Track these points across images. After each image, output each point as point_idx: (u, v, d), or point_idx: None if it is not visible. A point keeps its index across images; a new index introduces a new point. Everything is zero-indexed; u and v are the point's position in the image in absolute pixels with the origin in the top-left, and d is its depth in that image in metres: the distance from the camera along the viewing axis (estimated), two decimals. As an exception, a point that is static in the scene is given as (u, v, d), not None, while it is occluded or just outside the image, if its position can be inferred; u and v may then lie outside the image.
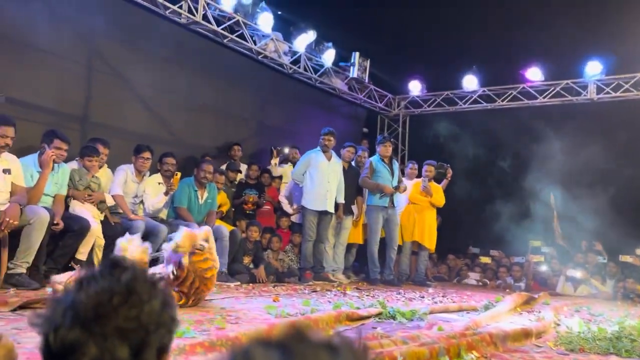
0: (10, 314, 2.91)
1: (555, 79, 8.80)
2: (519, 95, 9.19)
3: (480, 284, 8.31)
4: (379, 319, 3.54)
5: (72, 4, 5.51)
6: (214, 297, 4.30)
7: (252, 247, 6.21)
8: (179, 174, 5.53)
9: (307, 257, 6.56)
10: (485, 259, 8.79)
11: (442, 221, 8.25)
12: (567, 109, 8.80)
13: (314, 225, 6.58)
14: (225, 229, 5.87)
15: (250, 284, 5.71)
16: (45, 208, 4.29)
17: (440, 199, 7.55)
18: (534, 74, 8.91)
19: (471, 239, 9.26)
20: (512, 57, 8.54)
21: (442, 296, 5.77)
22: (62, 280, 3.77)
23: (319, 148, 6.77)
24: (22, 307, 3.03)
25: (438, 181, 7.71)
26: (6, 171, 4.10)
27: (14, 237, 4.08)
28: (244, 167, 7.15)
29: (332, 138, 6.73)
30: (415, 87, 10.01)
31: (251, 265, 6.19)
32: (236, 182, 6.92)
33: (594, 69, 8.42)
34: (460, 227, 8.90)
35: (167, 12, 6.17)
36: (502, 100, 9.34)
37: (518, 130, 8.55)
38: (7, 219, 3.85)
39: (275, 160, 7.44)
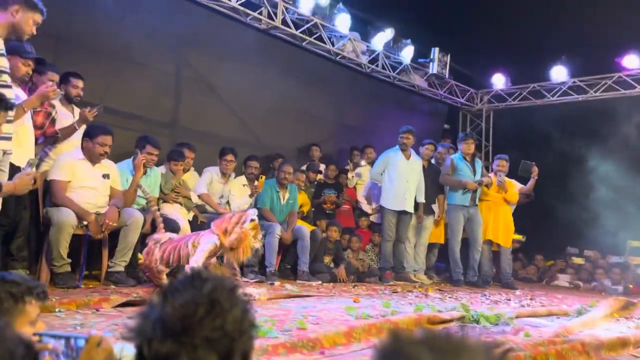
0: (112, 311, 3.15)
1: (657, 66, 8.12)
2: (614, 85, 8.57)
3: (572, 286, 7.86)
4: (462, 322, 3.46)
5: (162, 17, 5.84)
6: (296, 296, 4.41)
7: (333, 247, 6.28)
8: (264, 177, 5.71)
9: (387, 257, 6.52)
10: (578, 260, 8.30)
11: (529, 220, 7.86)
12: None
13: (393, 225, 6.52)
14: (306, 228, 5.98)
15: (331, 284, 5.78)
16: (139, 210, 4.60)
17: (514, 195, 7.14)
18: (632, 62, 8.27)
19: (563, 239, 8.76)
20: (606, 45, 7.96)
21: (530, 299, 5.53)
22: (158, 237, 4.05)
23: (397, 147, 6.69)
24: (122, 304, 3.27)
25: (525, 181, 7.31)
26: (105, 176, 4.43)
27: (114, 238, 4.41)
28: (322, 167, 7.24)
29: (410, 136, 6.62)
30: (499, 81, 9.64)
31: (332, 265, 6.26)
32: (315, 183, 7.02)
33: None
34: (551, 226, 8.43)
35: (248, 19, 6.39)
36: (596, 92, 8.75)
37: (613, 123, 7.97)
38: (107, 221, 4.16)
39: (352, 174, 7.45)
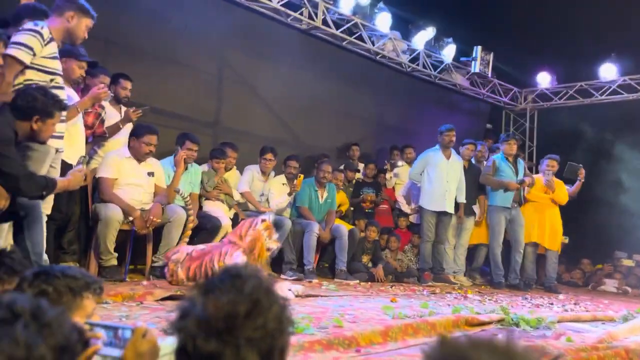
0: (155, 304, 3.26)
1: None
2: (667, 84, 8.23)
3: (620, 291, 7.59)
4: (501, 325, 3.41)
5: (205, 19, 5.98)
6: (333, 295, 4.45)
7: (371, 247, 6.28)
8: (302, 176, 5.77)
9: (426, 258, 6.46)
10: (627, 262, 8.01)
11: (575, 223, 7.63)
12: None
13: (432, 226, 6.44)
14: (345, 227, 6.00)
15: (369, 283, 5.78)
16: (182, 207, 4.73)
17: (563, 196, 6.88)
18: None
19: (610, 243, 8.45)
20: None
21: (574, 304, 5.37)
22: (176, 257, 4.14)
23: (437, 146, 6.59)
24: (165, 298, 3.38)
25: (571, 183, 7.09)
26: (150, 174, 4.58)
27: (158, 233, 4.56)
28: (360, 167, 7.24)
29: (453, 134, 6.52)
30: (544, 79, 9.39)
31: (370, 265, 6.26)
32: (354, 182, 7.02)
33: None
34: (598, 229, 8.14)
35: (288, 19, 6.46)
36: (647, 90, 8.42)
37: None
38: (151, 218, 4.31)
39: (390, 174, 7.41)
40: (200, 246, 3.96)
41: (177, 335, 0.95)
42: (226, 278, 0.97)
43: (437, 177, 6.41)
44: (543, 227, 6.84)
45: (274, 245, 3.85)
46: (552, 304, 5.20)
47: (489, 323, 3.33)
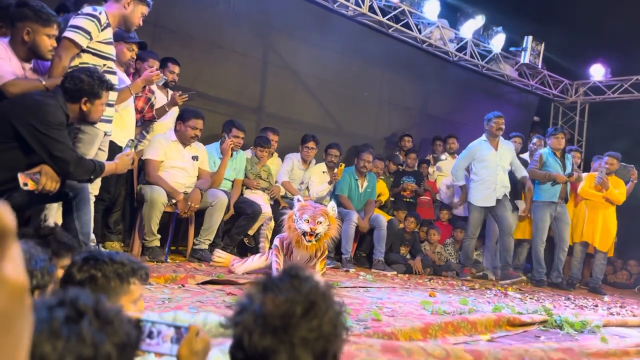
0: (196, 287, 3.32)
1: None
2: None
3: (670, 296, 7.28)
4: (544, 327, 3.32)
5: (251, 4, 5.99)
6: (370, 286, 4.43)
7: (410, 238, 6.22)
8: (343, 165, 5.75)
9: (469, 255, 6.22)
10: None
11: (625, 222, 7.33)
12: None
13: (479, 223, 6.14)
14: (383, 218, 5.96)
15: (406, 275, 5.74)
16: (224, 191, 4.79)
17: (619, 195, 6.56)
18: None
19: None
20: None
21: (620, 307, 5.18)
22: (223, 256, 4.20)
23: (484, 137, 6.21)
24: (205, 282, 3.44)
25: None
26: (195, 158, 4.64)
27: (200, 216, 4.63)
28: (401, 156, 7.15)
29: (502, 122, 6.10)
30: (597, 72, 9.02)
31: (408, 256, 6.20)
32: (393, 172, 6.94)
33: None
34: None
35: (335, 5, 6.39)
36: None
37: None
38: (190, 203, 4.38)
39: (432, 168, 7.30)
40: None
41: (233, 329, 0.95)
42: (285, 278, 0.97)
43: (485, 170, 6.07)
44: (595, 226, 6.58)
45: (305, 226, 3.40)
46: (596, 306, 5.03)
47: (532, 324, 3.25)
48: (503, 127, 6.13)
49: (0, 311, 0.54)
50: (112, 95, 3.36)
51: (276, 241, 3.73)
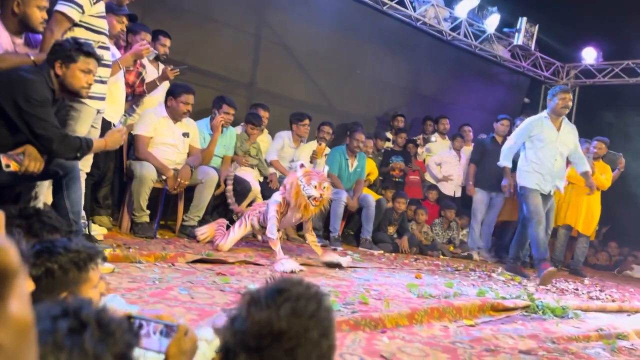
0: (186, 266, 3.34)
1: None
2: None
3: (647, 279, 7.48)
4: (526, 312, 3.41)
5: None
6: (358, 266, 4.49)
7: (398, 218, 6.28)
8: (324, 144, 5.76)
9: (542, 245, 5.10)
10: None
11: (608, 207, 7.45)
12: None
13: (540, 205, 5.20)
14: (372, 197, 6.00)
15: (393, 254, 5.82)
16: (214, 168, 4.77)
17: (604, 181, 6.63)
18: None
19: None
20: None
21: (600, 290, 5.33)
22: (204, 231, 4.28)
23: (544, 113, 5.29)
24: (195, 261, 3.46)
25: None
26: (185, 134, 4.61)
27: (190, 192, 4.63)
28: (390, 135, 7.16)
29: (570, 98, 5.21)
30: (589, 55, 9.02)
31: (395, 235, 6.28)
32: (382, 151, 6.96)
33: None
34: (633, 214, 7.91)
35: (329, -20, 6.29)
36: (699, 73, 8.04)
37: None
38: (179, 180, 4.36)
39: (422, 149, 7.31)
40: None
41: (220, 339, 0.97)
42: (272, 292, 0.96)
43: (541, 153, 5.20)
44: (579, 210, 6.67)
45: (315, 192, 3.75)
46: (577, 289, 5.16)
47: (514, 309, 3.34)
48: (570, 104, 5.26)
49: (8, 348, 0.55)
50: (105, 72, 3.30)
51: (278, 197, 3.84)
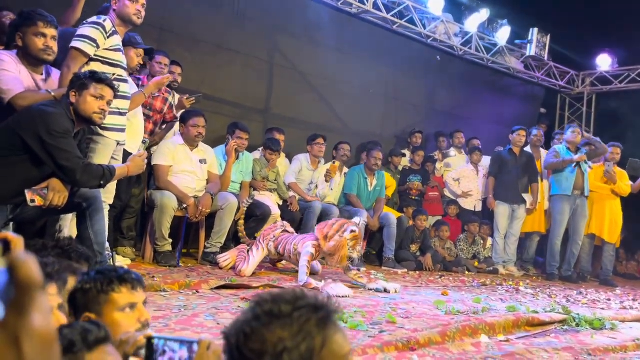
0: (210, 293, 3.32)
1: None
2: None
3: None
4: (563, 326, 3.31)
5: (256, 5, 5.96)
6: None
7: (420, 235, 6.20)
8: (337, 163, 5.76)
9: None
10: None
11: (633, 213, 7.29)
12: None
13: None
14: (393, 216, 5.95)
15: (417, 272, 5.73)
16: (233, 194, 4.78)
17: (625, 187, 6.57)
18: None
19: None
20: None
21: (633, 299, 5.17)
22: (226, 258, 4.27)
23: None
24: (219, 287, 3.44)
25: (632, 179, 6.74)
26: (203, 161, 4.63)
27: (211, 219, 4.63)
28: (408, 153, 7.13)
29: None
30: (604, 62, 8.94)
31: (418, 253, 6.19)
32: (400, 168, 6.92)
33: None
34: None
35: (339, 3, 6.36)
36: None
37: None
38: (201, 208, 4.37)
39: (440, 164, 7.27)
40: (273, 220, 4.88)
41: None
42: (272, 308, 0.92)
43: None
44: (602, 218, 6.57)
45: (356, 256, 4.10)
46: (609, 299, 5.01)
47: (551, 323, 3.24)
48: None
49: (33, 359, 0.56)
50: (123, 104, 3.34)
51: (311, 248, 3.98)
